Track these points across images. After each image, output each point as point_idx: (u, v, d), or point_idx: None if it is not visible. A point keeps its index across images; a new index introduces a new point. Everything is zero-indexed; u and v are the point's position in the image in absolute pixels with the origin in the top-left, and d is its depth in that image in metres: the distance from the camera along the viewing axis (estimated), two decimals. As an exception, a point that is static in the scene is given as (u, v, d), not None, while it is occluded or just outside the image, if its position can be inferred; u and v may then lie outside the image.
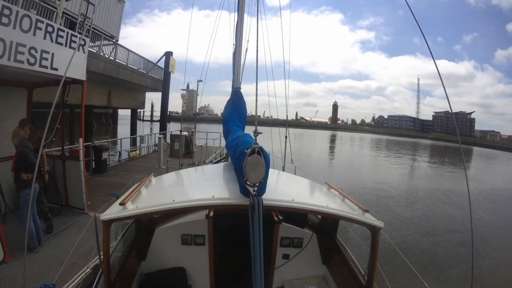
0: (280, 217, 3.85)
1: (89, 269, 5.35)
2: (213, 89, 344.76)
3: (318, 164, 31.12)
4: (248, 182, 2.64)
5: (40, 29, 6.38)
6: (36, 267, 5.33)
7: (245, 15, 6.63)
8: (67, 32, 7.11)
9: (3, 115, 7.50)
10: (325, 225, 4.39)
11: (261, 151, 2.60)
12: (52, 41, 6.67)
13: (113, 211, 2.93)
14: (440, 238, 12.69)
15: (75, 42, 7.25)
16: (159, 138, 17.55)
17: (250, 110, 5.94)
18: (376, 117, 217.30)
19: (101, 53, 18.55)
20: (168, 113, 30.62)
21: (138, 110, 33.25)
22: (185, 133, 18.18)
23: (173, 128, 28.06)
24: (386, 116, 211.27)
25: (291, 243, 4.29)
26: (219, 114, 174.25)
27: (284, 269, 4.19)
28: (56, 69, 6.75)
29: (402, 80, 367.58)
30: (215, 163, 10.23)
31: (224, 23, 8.96)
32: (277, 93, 9.65)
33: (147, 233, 4.16)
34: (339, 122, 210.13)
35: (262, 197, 2.71)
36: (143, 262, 4.11)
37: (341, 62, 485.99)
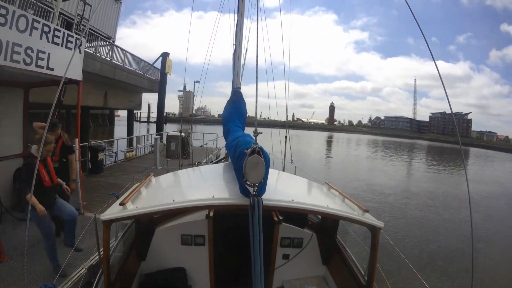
0: (280, 217, 3.84)
1: (84, 269, 5.35)
2: (210, 90, 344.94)
3: (317, 165, 31.11)
4: (248, 182, 2.63)
5: (37, 29, 6.35)
6: (33, 267, 5.29)
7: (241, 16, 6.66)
8: (64, 32, 7.09)
9: (0, 115, 7.49)
10: (325, 225, 4.38)
11: (261, 151, 2.59)
12: (48, 41, 6.65)
13: (113, 211, 2.92)
14: (440, 238, 12.71)
15: (71, 42, 7.24)
16: (156, 138, 17.52)
17: (248, 111, 5.98)
18: (372, 118, 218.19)
19: (98, 54, 18.53)
20: (165, 114, 30.61)
21: (135, 111, 33.23)
22: (182, 134, 18.19)
23: (170, 129, 28.03)
24: (382, 117, 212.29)
25: (291, 243, 4.28)
26: (216, 116, 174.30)
27: (284, 269, 4.18)
28: (52, 69, 6.73)
29: (397, 81, 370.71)
30: (215, 163, 10.22)
31: (222, 24, 8.99)
32: (273, 93, 9.68)
33: (147, 233, 4.14)
34: (335, 123, 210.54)
35: (262, 197, 2.71)
36: (143, 262, 4.09)
37: (336, 63, 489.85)
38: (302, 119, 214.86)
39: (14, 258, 5.44)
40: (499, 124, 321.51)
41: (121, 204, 2.92)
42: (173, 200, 2.95)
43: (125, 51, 21.91)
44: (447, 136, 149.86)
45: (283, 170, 8.27)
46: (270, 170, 3.08)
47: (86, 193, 8.44)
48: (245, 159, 2.58)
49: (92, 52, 17.79)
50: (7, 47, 5.68)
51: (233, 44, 6.68)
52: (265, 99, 9.70)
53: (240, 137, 4.07)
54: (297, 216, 4.29)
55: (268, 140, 8.55)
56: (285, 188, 4.17)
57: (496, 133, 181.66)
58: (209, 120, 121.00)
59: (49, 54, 6.64)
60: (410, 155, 58.20)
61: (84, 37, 8.31)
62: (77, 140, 7.82)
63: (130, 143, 21.95)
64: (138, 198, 3.27)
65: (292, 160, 8.68)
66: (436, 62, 2.58)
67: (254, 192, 2.67)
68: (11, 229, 6.46)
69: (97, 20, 22.39)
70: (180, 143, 17.35)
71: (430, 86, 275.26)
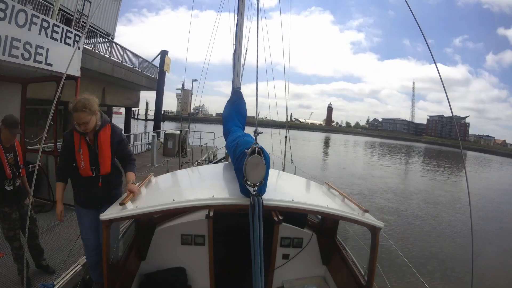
0: (280, 217, 3.86)
1: (80, 265, 5.34)
2: (208, 89, 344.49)
3: (317, 166, 31.16)
4: (248, 182, 2.63)
5: (36, 24, 6.35)
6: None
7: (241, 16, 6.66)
8: (62, 28, 7.08)
9: (-3, 109, 7.48)
10: (325, 225, 4.37)
11: (261, 151, 2.59)
12: (47, 36, 6.64)
13: (113, 211, 2.91)
14: (440, 238, 12.81)
15: (70, 38, 7.24)
16: (153, 136, 17.49)
17: (248, 111, 5.98)
18: (370, 120, 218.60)
19: (97, 51, 18.47)
20: (163, 112, 30.55)
21: (133, 109, 33.13)
22: (178, 132, 18.18)
23: (168, 127, 27.96)
24: (380, 119, 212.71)
25: (291, 243, 4.27)
26: (214, 114, 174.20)
27: (284, 269, 4.18)
28: (51, 65, 6.72)
29: (394, 84, 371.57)
30: (214, 163, 10.21)
31: (220, 23, 8.98)
32: (273, 94, 9.70)
33: (147, 233, 4.13)
34: (333, 124, 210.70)
35: (262, 197, 2.71)
36: (143, 262, 4.08)
37: (333, 63, 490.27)
38: (300, 120, 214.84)
39: (10, 254, 5.43)
40: (496, 128, 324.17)
41: (121, 203, 2.90)
42: (173, 200, 2.93)
43: (124, 48, 21.85)
44: (444, 139, 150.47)
45: (283, 170, 8.28)
46: (270, 170, 3.08)
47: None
48: (245, 159, 2.57)
49: (90, 48, 17.74)
50: (5, 41, 5.69)
51: (233, 44, 6.69)
52: (264, 99, 9.71)
53: (240, 137, 4.07)
54: (297, 216, 4.28)
55: (268, 140, 8.56)
56: (285, 188, 4.15)
57: (493, 137, 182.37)
58: (207, 119, 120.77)
59: (47, 49, 6.64)
60: (408, 157, 58.38)
61: (82, 33, 8.29)
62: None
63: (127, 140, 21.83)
64: (138, 198, 3.25)
65: (292, 160, 8.69)
66: (433, 65, 2.59)
67: (255, 192, 2.67)
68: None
69: (97, 17, 22.27)
70: (177, 141, 17.33)
71: (426, 89, 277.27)
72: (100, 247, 3.36)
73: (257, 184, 2.64)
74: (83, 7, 10.04)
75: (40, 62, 6.52)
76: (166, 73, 27.13)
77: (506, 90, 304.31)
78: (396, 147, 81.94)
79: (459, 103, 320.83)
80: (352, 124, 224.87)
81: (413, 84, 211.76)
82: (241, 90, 6.08)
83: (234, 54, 6.48)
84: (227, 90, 6.53)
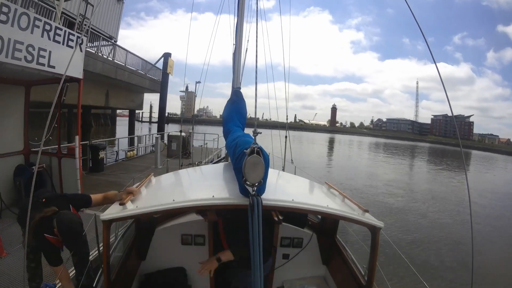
0: (280, 217, 3.83)
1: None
2: (211, 91, 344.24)
3: (318, 167, 31.12)
4: (247, 182, 2.60)
5: (38, 27, 6.40)
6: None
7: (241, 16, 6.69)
8: (65, 31, 7.13)
9: (1, 112, 7.54)
10: (325, 225, 4.36)
11: (260, 151, 2.56)
12: (49, 39, 6.70)
13: (113, 211, 2.90)
14: (440, 238, 12.75)
15: (72, 40, 7.30)
16: (156, 138, 17.57)
17: (249, 112, 5.99)
18: (374, 120, 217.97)
19: (100, 54, 18.60)
20: (167, 114, 30.65)
21: (137, 111, 33.28)
22: (183, 134, 18.22)
23: (171, 129, 28.04)
24: (384, 119, 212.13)
25: (291, 243, 4.27)
26: (218, 116, 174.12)
27: (284, 269, 4.17)
28: (53, 67, 6.78)
29: (397, 83, 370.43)
30: (215, 163, 10.23)
31: (220, 25, 9.01)
32: (274, 95, 9.70)
33: (147, 233, 4.13)
34: (337, 124, 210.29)
35: (261, 197, 2.68)
36: (143, 262, 4.09)
37: (334, 63, 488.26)
38: (304, 121, 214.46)
39: (13, 254, 5.49)
40: (501, 127, 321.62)
41: (121, 204, 2.91)
42: (173, 200, 2.92)
43: (127, 51, 21.98)
44: (448, 139, 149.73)
45: (283, 170, 8.27)
46: (270, 170, 3.06)
47: (86, 191, 8.46)
48: (244, 159, 2.55)
49: (94, 51, 17.86)
50: (8, 44, 5.74)
51: (233, 44, 6.71)
52: (265, 100, 9.72)
53: (240, 137, 4.05)
54: (297, 216, 4.28)
55: (268, 140, 8.57)
56: (285, 188, 4.14)
57: (498, 136, 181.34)
58: (211, 121, 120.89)
59: (50, 52, 6.69)
60: (412, 157, 58.21)
61: (85, 35, 8.35)
62: (77, 137, 7.87)
63: (131, 142, 21.99)
64: (138, 198, 3.25)
65: (292, 160, 8.70)
66: (437, 64, 2.58)
67: (254, 192, 2.64)
68: (10, 224, 6.51)
69: (99, 20, 22.47)
70: (181, 143, 17.39)
71: (430, 88, 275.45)
72: None
73: (256, 184, 2.61)
74: (86, 10, 10.11)
75: (43, 65, 6.57)
76: (171, 76, 27.22)
77: (510, 89, 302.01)
78: (401, 147, 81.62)
79: (463, 102, 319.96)
80: (356, 124, 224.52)
81: (417, 83, 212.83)
82: (243, 91, 6.07)
83: (234, 54, 6.49)
84: (229, 92, 6.51)
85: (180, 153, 13.74)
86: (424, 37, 2.57)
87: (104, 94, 21.51)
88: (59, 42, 6.95)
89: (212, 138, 20.49)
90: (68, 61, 6.53)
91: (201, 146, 19.06)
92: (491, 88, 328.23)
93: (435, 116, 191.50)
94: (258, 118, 3.18)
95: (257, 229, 2.54)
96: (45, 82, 7.75)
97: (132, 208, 2.91)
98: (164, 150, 18.99)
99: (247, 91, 6.02)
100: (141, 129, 55.73)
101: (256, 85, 3.19)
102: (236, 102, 5.80)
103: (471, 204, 2.93)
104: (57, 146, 8.52)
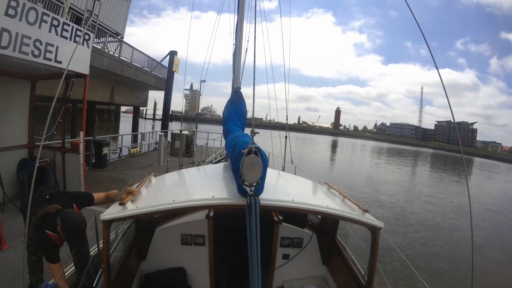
0: (280, 217, 3.84)
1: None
2: (214, 90, 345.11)
3: (319, 168, 31.10)
4: (245, 182, 2.62)
5: (46, 22, 6.42)
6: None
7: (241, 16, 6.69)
8: (72, 26, 7.16)
9: (7, 105, 7.60)
10: (325, 225, 4.36)
11: (258, 151, 2.57)
12: (57, 34, 6.72)
13: (113, 211, 2.92)
14: (440, 238, 12.77)
15: (79, 36, 7.33)
16: (160, 136, 17.57)
17: (250, 112, 5.99)
18: (378, 124, 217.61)
19: (106, 50, 18.63)
20: (171, 112, 30.65)
21: (141, 108, 33.33)
22: (185, 132, 18.23)
23: (175, 127, 28.07)
24: (388, 124, 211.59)
25: (291, 243, 4.27)
26: (221, 115, 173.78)
27: (284, 269, 4.17)
28: (60, 62, 6.80)
29: (400, 88, 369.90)
30: (215, 163, 10.24)
31: (222, 24, 9.05)
32: (276, 96, 9.71)
33: (147, 233, 4.14)
34: (341, 127, 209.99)
35: (261, 197, 2.71)
36: (143, 262, 4.09)
37: (337, 66, 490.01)
38: (308, 123, 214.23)
39: (15, 247, 5.52)
40: (504, 135, 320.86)
41: (121, 203, 2.93)
42: (173, 200, 2.94)
43: (133, 48, 22.00)
44: (452, 145, 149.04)
45: (283, 170, 8.27)
46: (270, 170, 3.06)
47: (88, 187, 8.48)
48: (242, 159, 2.57)
49: (100, 47, 17.89)
50: (16, 38, 5.76)
51: (233, 44, 6.73)
52: (268, 100, 9.72)
53: (239, 137, 4.09)
54: (297, 216, 4.27)
55: (269, 140, 8.58)
56: (284, 188, 4.15)
57: (501, 143, 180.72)
58: (215, 120, 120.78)
59: (57, 47, 6.72)
60: (414, 162, 58.09)
61: (92, 31, 8.37)
62: (81, 133, 7.89)
63: (134, 139, 22.05)
64: (138, 198, 3.27)
65: (292, 160, 8.70)
66: (442, 70, 2.59)
67: (251, 192, 2.66)
68: (12, 218, 6.54)
69: (106, 16, 22.50)
70: (184, 142, 17.39)
71: (433, 94, 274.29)
72: None
73: (254, 184, 2.63)
74: (93, 6, 10.15)
75: (50, 60, 6.60)
76: (176, 74, 27.23)
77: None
78: (404, 153, 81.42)
79: (467, 109, 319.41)
80: (360, 128, 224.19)
81: (421, 89, 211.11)
82: (244, 91, 6.08)
83: (234, 54, 6.51)
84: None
85: (181, 152, 13.74)
86: (427, 44, 2.61)
87: (110, 90, 21.55)
88: (66, 38, 6.98)
89: (215, 137, 20.52)
90: (75, 56, 6.56)
91: (202, 146, 19.05)
92: (496, 95, 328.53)
93: (438, 122, 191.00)
94: (261, 119, 3.17)
95: (255, 229, 2.54)
96: (51, 77, 7.77)
97: (132, 208, 2.92)
98: (167, 148, 19.00)
99: (248, 91, 6.02)
100: (144, 126, 55.76)
101: (254, 85, 3.22)
102: (236, 102, 5.83)
103: (471, 206, 2.93)
104: (61, 140, 8.55)
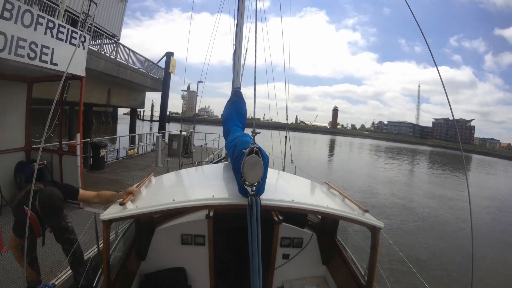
0: (280, 217, 3.84)
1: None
2: (212, 91, 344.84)
3: (318, 167, 31.10)
4: (246, 182, 2.62)
5: (41, 24, 6.42)
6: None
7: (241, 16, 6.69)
8: (68, 29, 7.15)
9: (3, 108, 7.57)
10: (325, 225, 4.35)
11: (259, 151, 2.57)
12: (52, 36, 6.72)
13: (113, 210, 2.91)
14: (440, 238, 12.77)
15: (75, 38, 7.31)
16: (157, 137, 17.54)
17: (249, 113, 5.99)
18: (376, 123, 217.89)
19: (102, 52, 18.59)
20: (168, 113, 30.59)
21: (138, 110, 33.26)
22: (184, 133, 18.22)
23: (173, 128, 28.05)
24: (386, 122, 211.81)
25: (291, 243, 4.26)
26: (219, 116, 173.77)
27: (284, 269, 4.16)
28: (56, 64, 6.80)
29: (396, 86, 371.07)
30: (215, 163, 10.23)
31: (219, 24, 9.04)
32: (275, 95, 9.71)
33: (147, 233, 4.13)
34: (338, 126, 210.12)
35: (261, 197, 2.71)
36: (143, 262, 4.07)
37: (332, 64, 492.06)
38: (305, 122, 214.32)
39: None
40: (502, 132, 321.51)
41: (121, 203, 2.92)
42: (173, 200, 2.93)
43: (129, 49, 21.97)
44: (450, 143, 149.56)
45: (283, 170, 8.27)
46: (270, 170, 3.06)
47: (86, 189, 8.43)
48: (243, 159, 2.56)
49: (96, 50, 17.86)
50: (12, 41, 5.75)
51: (233, 44, 6.72)
52: (266, 100, 9.73)
53: (239, 137, 4.08)
54: (297, 216, 4.27)
55: (268, 140, 8.58)
56: (285, 188, 4.15)
57: (498, 140, 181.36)
58: (212, 120, 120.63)
59: (53, 49, 6.71)
60: (413, 160, 58.21)
61: (88, 33, 8.36)
62: (78, 135, 7.88)
63: (132, 141, 22.00)
64: (138, 197, 3.25)
65: (292, 160, 8.70)
66: (439, 67, 2.59)
67: (252, 192, 2.66)
68: (10, 221, 6.49)
69: (102, 18, 22.43)
70: (182, 142, 17.38)
71: (430, 91, 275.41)
72: None
73: (255, 184, 2.63)
74: (89, 8, 10.14)
75: (46, 62, 6.59)
76: (173, 75, 27.20)
77: (511, 93, 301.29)
78: (402, 150, 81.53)
79: (464, 106, 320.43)
80: (358, 126, 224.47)
81: (419, 87, 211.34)
82: (243, 91, 6.08)
83: (234, 54, 6.50)
84: (230, 92, 6.46)
85: (180, 153, 13.73)
86: (426, 42, 2.58)
87: (106, 92, 21.52)
88: (62, 40, 6.98)
89: (213, 138, 20.49)
90: (71, 58, 6.55)
91: (202, 146, 19.06)
92: (493, 92, 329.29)
93: (436, 119, 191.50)
94: (259, 119, 3.18)
95: (256, 229, 2.54)
96: (48, 79, 7.76)
97: (132, 208, 2.91)
98: (165, 149, 18.98)
99: (246, 91, 6.03)
100: (142, 127, 55.68)
101: (255, 85, 3.21)
102: (236, 102, 5.82)
103: (471, 205, 2.93)
104: (58, 143, 8.54)
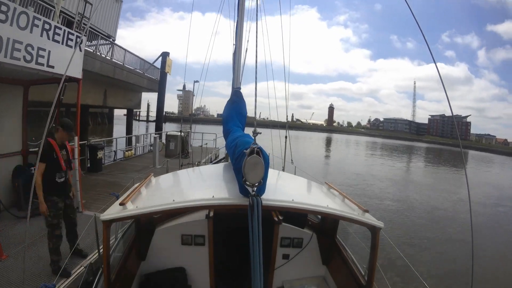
0: (280, 217, 3.85)
1: (83, 267, 5.32)
2: (208, 90, 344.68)
3: (317, 166, 31.14)
4: (247, 182, 2.63)
5: (37, 26, 6.36)
6: (32, 265, 5.24)
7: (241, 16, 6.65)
8: (64, 30, 7.09)
9: (0, 112, 7.50)
10: (325, 225, 4.37)
11: (260, 151, 2.58)
12: (49, 38, 6.65)
13: (113, 211, 2.92)
14: (440, 238, 12.81)
15: (71, 40, 7.24)
16: (155, 138, 17.48)
17: (248, 112, 5.97)
18: (372, 120, 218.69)
19: (98, 53, 18.50)
20: (164, 113, 30.57)
21: (134, 110, 33.20)
22: (182, 133, 18.16)
23: (169, 128, 28.03)
24: (381, 119, 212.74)
25: (291, 243, 4.27)
26: (215, 115, 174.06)
27: (284, 269, 4.18)
28: (52, 67, 6.73)
29: (391, 83, 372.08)
30: (215, 163, 10.20)
31: (220, 24, 8.98)
32: (272, 94, 9.66)
33: (147, 233, 4.14)
34: (335, 124, 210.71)
35: (262, 197, 2.70)
36: (143, 262, 4.09)
37: (326, 61, 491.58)
38: (301, 120, 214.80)
39: (13, 256, 5.43)
40: (498, 127, 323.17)
41: (121, 204, 2.91)
42: (173, 200, 2.94)
43: (125, 50, 21.89)
44: (445, 139, 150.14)
45: (283, 170, 8.25)
46: (270, 170, 3.07)
47: (84, 191, 8.43)
48: (244, 159, 2.57)
49: (92, 51, 17.76)
50: (7, 44, 5.70)
51: (233, 44, 6.68)
52: (263, 99, 9.71)
53: (240, 137, 4.08)
54: (297, 216, 4.27)
55: (268, 140, 8.54)
56: (285, 188, 4.15)
57: (495, 136, 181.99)
58: (208, 120, 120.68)
59: (49, 51, 6.65)
60: (409, 156, 58.46)
61: (84, 35, 8.29)
62: (76, 138, 7.81)
63: (129, 142, 21.94)
64: (138, 198, 3.26)
65: (292, 160, 8.66)
66: (432, 64, 2.59)
67: (253, 192, 2.66)
68: (9, 226, 6.46)
69: (98, 19, 22.32)
70: (179, 142, 17.33)
71: (424, 88, 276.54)
72: None
73: (256, 184, 2.64)
74: (84, 9, 10.05)
75: (42, 64, 6.53)
76: (169, 75, 27.20)
77: (506, 89, 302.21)
78: (398, 147, 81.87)
79: (459, 102, 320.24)
80: (354, 124, 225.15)
81: (414, 83, 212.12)
82: (242, 90, 6.08)
83: (234, 54, 6.47)
84: (225, 91, 6.51)
85: (180, 153, 13.68)
86: (424, 39, 2.64)
87: (102, 93, 21.44)
88: (58, 42, 6.91)
89: (210, 137, 20.45)
90: (67, 60, 6.48)
91: (201, 146, 19.01)
92: (488, 88, 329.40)
93: (432, 116, 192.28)
94: (261, 118, 3.16)
95: (257, 229, 2.55)
96: (44, 82, 7.70)
97: (132, 208, 2.91)
98: (162, 149, 18.91)
99: (244, 90, 6.01)
100: (138, 128, 55.57)
101: (256, 85, 3.25)
102: (236, 102, 5.84)
103: (471, 205, 2.93)
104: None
